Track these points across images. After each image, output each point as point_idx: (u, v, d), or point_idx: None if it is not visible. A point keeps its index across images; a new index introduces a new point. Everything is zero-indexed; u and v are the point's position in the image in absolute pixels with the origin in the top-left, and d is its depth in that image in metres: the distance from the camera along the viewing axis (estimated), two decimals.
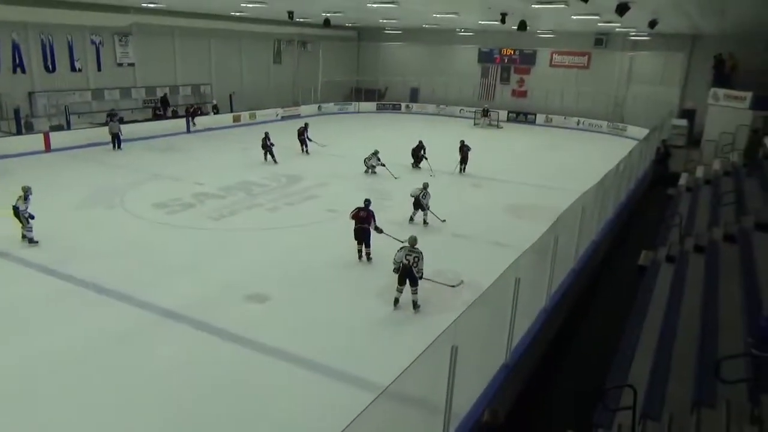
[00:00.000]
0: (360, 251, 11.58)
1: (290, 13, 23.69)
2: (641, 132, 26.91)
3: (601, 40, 32.66)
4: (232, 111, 30.03)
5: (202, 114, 28.59)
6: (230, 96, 30.88)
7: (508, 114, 34.93)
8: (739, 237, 9.76)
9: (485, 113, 32.92)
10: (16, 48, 22.68)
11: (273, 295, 9.88)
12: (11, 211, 11.67)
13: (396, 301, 9.42)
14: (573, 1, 15.46)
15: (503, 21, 20.94)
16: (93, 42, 25.45)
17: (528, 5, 17.41)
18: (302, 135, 22.31)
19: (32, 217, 11.72)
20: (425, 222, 14.21)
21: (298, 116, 33.13)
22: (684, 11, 18.67)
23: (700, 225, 11.83)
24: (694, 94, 29.53)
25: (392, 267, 9.29)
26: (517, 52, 36.16)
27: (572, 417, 6.57)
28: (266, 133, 20.59)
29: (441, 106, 37.22)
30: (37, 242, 11.78)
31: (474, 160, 20.02)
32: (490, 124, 32.53)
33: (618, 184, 14.13)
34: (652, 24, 21.07)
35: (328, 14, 25.91)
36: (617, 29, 28.17)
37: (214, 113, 29.24)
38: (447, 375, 5.24)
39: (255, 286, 10.13)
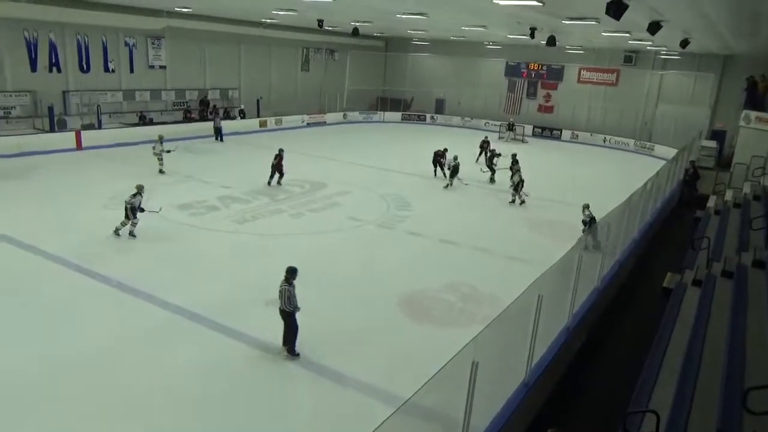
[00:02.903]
0: None
1: (320, 22, 23.90)
2: (669, 152, 26.53)
3: (631, 57, 32.38)
4: (258, 116, 30.37)
5: (227, 118, 28.96)
6: (257, 101, 31.26)
7: (533, 129, 34.75)
8: None
9: (510, 127, 32.78)
10: (53, 48, 23.28)
11: None
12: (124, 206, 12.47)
13: None
14: (604, 17, 15.36)
15: (532, 36, 20.88)
16: (127, 44, 26.01)
17: (558, 21, 17.35)
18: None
19: (142, 210, 12.53)
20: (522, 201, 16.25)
21: (323, 123, 33.49)
22: (717, 32, 18.42)
23: (729, 249, 11.58)
24: (724, 115, 29.08)
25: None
26: (544, 67, 35.99)
27: None
28: (281, 151, 18.28)
29: (466, 119, 37.19)
30: (135, 236, 12.52)
31: (497, 174, 19.97)
32: (515, 138, 32.37)
33: (645, 203, 13.93)
34: (684, 43, 20.81)
35: (357, 24, 26.12)
36: (648, 47, 27.89)
37: (241, 118, 29.61)
38: (466, 390, 5.20)
39: (275, 291, 10.16)
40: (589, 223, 13.47)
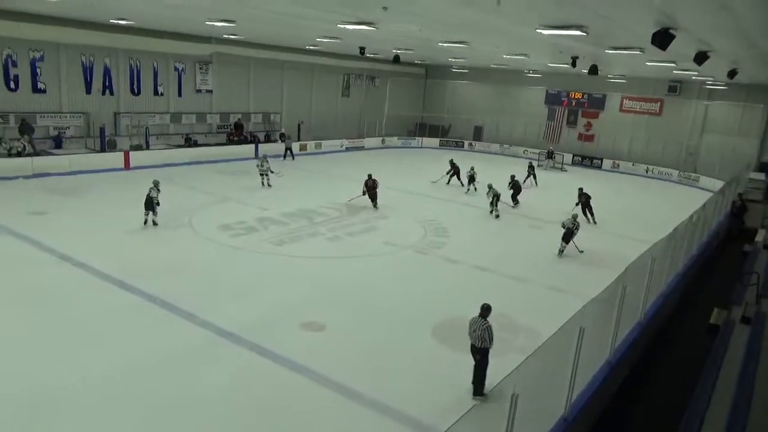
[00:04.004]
0: None
1: (362, 49, 24.36)
2: (714, 183, 25.81)
3: (675, 87, 31.83)
4: (299, 140, 30.96)
5: (268, 141, 29.69)
6: (298, 125, 31.90)
7: (573, 157, 34.35)
8: None
9: (550, 155, 32.48)
10: (107, 71, 24.37)
11: (329, 324, 9.94)
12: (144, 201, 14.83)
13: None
14: (649, 47, 15.20)
15: (574, 65, 20.80)
16: (176, 69, 27.02)
17: (601, 50, 17.24)
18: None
19: (158, 204, 14.88)
20: (561, 251, 15.03)
21: (362, 148, 33.86)
22: (766, 62, 17.98)
23: None
24: None
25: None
26: (585, 96, 35.70)
27: None
28: (370, 176, 18.90)
29: (505, 146, 37.05)
30: (156, 224, 14.92)
31: (535, 202, 19.78)
32: (554, 167, 32.05)
33: (690, 236, 13.54)
34: (732, 74, 20.36)
35: (399, 51, 26.51)
36: (693, 77, 27.39)
37: (281, 141, 30.19)
38: (506, 424, 5.09)
39: (311, 314, 10.25)
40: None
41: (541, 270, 13.79)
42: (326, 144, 31.57)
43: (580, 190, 19.21)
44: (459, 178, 23.82)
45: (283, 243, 14.47)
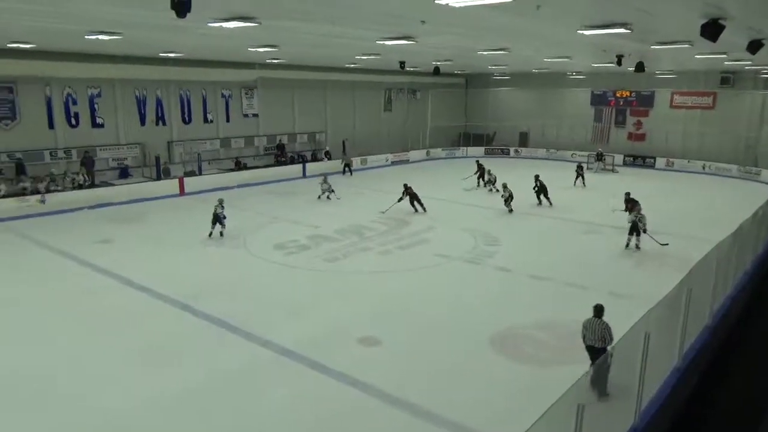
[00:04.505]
0: None
1: (402, 63, 24.56)
2: None
3: (728, 78, 30.55)
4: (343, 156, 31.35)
5: (315, 160, 30.27)
6: (343, 142, 32.34)
7: (624, 158, 33.42)
8: None
9: (599, 157, 31.69)
10: (159, 103, 25.45)
11: (385, 338, 9.96)
12: (212, 218, 16.44)
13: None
14: (698, 40, 14.71)
15: (619, 63, 20.31)
16: (223, 95, 27.94)
17: (647, 46, 16.79)
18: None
19: (225, 218, 16.42)
20: (638, 247, 15.10)
21: (407, 161, 33.98)
22: None
23: None
24: None
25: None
26: (633, 94, 34.75)
27: None
28: (406, 185, 20.26)
29: (551, 150, 36.43)
30: (223, 235, 16.36)
31: (586, 205, 19.34)
32: (604, 169, 31.25)
33: (756, 233, 12.92)
34: None
35: (438, 63, 26.59)
36: (747, 67, 26.27)
37: (327, 159, 30.70)
38: None
39: (367, 329, 10.29)
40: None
41: (600, 276, 13.42)
42: (371, 159, 31.85)
43: (627, 195, 17.98)
44: (482, 179, 25.26)
45: (335, 259, 14.63)
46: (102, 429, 7.35)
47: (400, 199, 19.98)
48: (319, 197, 21.98)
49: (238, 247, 15.76)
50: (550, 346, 9.70)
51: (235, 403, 7.97)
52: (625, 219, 15.88)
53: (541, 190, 21.31)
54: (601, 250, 15.69)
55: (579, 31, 13.05)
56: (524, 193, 20.81)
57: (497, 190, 22.54)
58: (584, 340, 7.99)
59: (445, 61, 26.47)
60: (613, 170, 31.19)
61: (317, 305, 11.64)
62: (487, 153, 37.42)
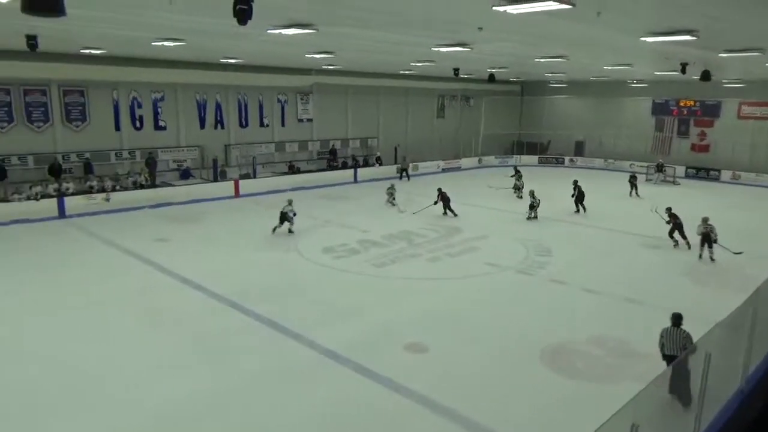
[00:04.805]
0: None
1: (456, 70, 24.46)
2: None
3: None
4: (396, 163, 31.47)
5: (366, 165, 30.51)
6: (395, 148, 32.46)
7: (686, 169, 32.09)
8: None
9: (660, 168, 30.53)
10: (218, 107, 26.30)
11: (432, 345, 9.90)
12: (279, 216, 17.40)
13: None
14: None
15: (683, 71, 19.55)
16: (279, 100, 28.61)
17: (714, 54, 16.10)
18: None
19: (295, 214, 17.41)
20: (712, 258, 14.73)
21: (458, 168, 33.78)
22: None
23: None
24: None
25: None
26: (697, 103, 33.39)
27: None
28: (440, 189, 20.89)
29: (609, 161, 35.40)
30: (293, 232, 17.35)
31: (645, 218, 18.66)
32: (665, 180, 30.11)
33: None
34: None
35: (493, 70, 26.34)
36: None
37: (378, 165, 30.88)
38: None
39: (414, 335, 10.26)
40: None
41: (657, 291, 12.89)
42: (423, 166, 31.81)
43: (668, 210, 16.81)
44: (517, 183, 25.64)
45: (384, 265, 14.67)
46: (154, 420, 7.59)
47: (435, 203, 20.37)
48: (390, 202, 22.18)
49: (290, 249, 16.03)
50: (603, 363, 9.39)
51: (279, 401, 8.10)
52: (693, 231, 15.40)
53: (579, 196, 21.30)
54: (659, 264, 15.10)
55: (642, 39, 12.66)
56: (565, 202, 20.51)
57: (520, 197, 23.26)
58: (662, 350, 7.85)
59: (501, 68, 26.20)
60: (674, 182, 30.01)
61: (364, 309, 11.69)
62: (541, 162, 36.77)
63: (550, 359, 9.43)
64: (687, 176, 31.66)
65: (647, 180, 30.15)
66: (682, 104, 33.99)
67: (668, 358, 7.71)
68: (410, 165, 30.25)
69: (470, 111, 38.53)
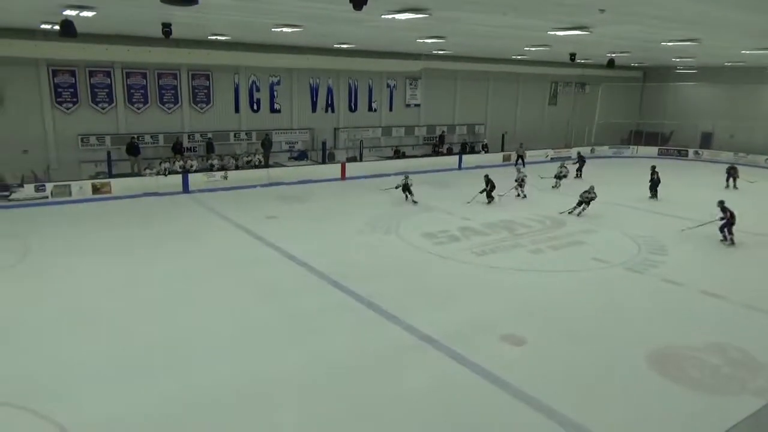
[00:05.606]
0: None
1: (572, 55, 23.36)
2: None
3: None
4: (502, 150, 30.77)
5: (472, 152, 30.07)
6: (503, 135, 31.72)
7: None
8: None
9: None
10: (329, 91, 27.13)
11: (529, 338, 9.66)
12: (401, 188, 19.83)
13: None
14: None
15: None
16: (388, 85, 28.95)
17: None
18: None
19: (412, 184, 20.02)
20: None
21: (568, 158, 32.31)
22: None
23: None
24: None
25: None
26: None
27: None
28: (488, 176, 20.78)
29: (740, 154, 32.25)
30: (416, 202, 19.68)
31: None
32: None
33: None
34: None
35: (614, 55, 24.85)
36: None
37: (485, 152, 30.36)
38: None
39: (511, 326, 10.07)
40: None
41: None
42: (530, 154, 30.79)
43: (721, 203, 15.80)
44: (580, 170, 26.33)
45: (484, 253, 14.48)
46: (245, 389, 7.95)
47: (483, 190, 20.15)
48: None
49: (390, 232, 16.27)
50: (721, 373, 8.66)
51: (372, 381, 8.25)
52: None
53: (654, 183, 21.35)
54: None
55: None
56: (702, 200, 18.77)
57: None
58: None
59: (622, 53, 24.67)
60: None
61: (463, 297, 11.64)
62: (661, 153, 34.27)
63: (657, 363, 8.85)
64: None
65: None
66: None
67: None
68: (526, 153, 29.37)
69: (585, 98, 36.69)
